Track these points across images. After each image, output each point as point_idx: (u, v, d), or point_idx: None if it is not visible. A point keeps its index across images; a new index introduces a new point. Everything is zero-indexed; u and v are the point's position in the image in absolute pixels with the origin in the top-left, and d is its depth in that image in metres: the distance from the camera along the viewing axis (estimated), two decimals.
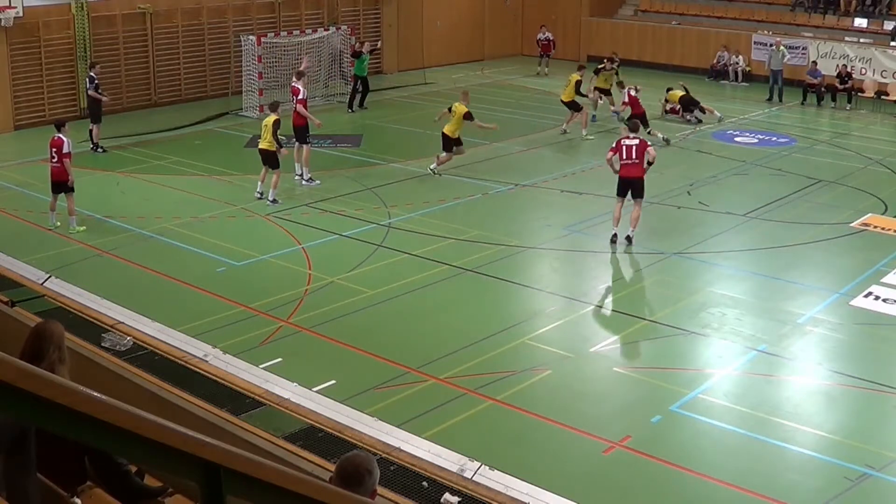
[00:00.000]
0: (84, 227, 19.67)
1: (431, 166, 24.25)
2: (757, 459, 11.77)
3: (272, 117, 21.72)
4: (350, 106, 32.32)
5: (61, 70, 29.98)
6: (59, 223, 19.72)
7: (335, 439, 11.41)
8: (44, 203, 21.23)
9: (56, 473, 6.59)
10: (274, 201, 21.50)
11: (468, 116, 23.81)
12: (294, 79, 24.52)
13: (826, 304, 16.49)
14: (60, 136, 19.59)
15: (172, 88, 32.98)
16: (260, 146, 22.02)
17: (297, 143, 23.64)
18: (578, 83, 28.77)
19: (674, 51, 40.15)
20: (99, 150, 25.96)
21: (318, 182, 23.24)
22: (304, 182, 23.27)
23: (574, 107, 28.84)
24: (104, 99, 26.46)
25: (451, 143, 24.06)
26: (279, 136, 21.68)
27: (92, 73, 26.51)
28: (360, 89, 32.50)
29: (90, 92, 26.25)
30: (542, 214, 21.32)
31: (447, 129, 24.08)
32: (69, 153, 19.61)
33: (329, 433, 11.60)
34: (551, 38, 40.65)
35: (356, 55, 32.60)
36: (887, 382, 13.60)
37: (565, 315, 16.00)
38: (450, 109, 24.30)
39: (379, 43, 34.42)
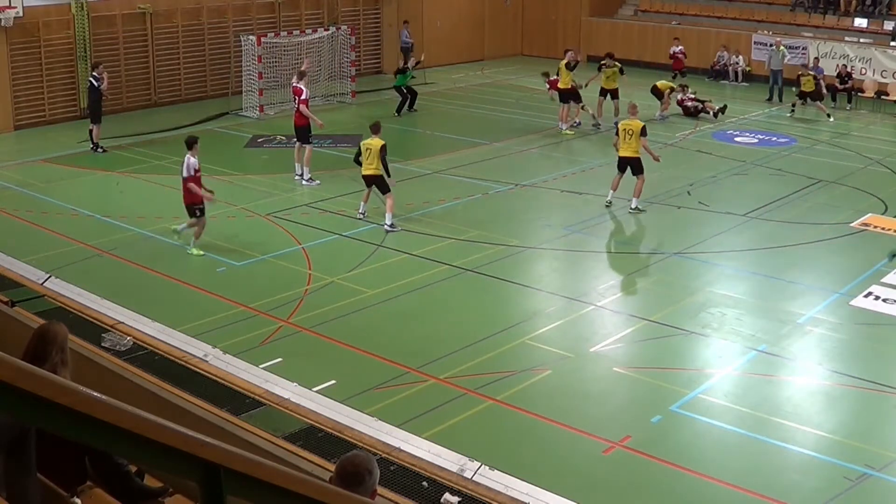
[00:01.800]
0: (202, 254, 18.49)
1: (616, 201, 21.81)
2: (757, 459, 11.77)
3: (379, 141, 19.91)
4: (398, 111, 31.83)
5: (61, 70, 29.98)
6: (180, 239, 18.90)
7: (335, 439, 11.41)
8: (44, 203, 21.31)
9: (56, 473, 6.59)
10: (392, 226, 19.78)
11: (644, 132, 21.41)
12: (296, 79, 24.48)
13: (826, 303, 16.49)
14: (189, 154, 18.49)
15: (172, 88, 32.98)
16: (364, 172, 20.10)
17: (298, 143, 23.65)
18: (567, 65, 28.68)
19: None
20: (99, 150, 25.96)
21: (317, 182, 23.23)
22: (304, 182, 23.27)
23: (564, 98, 28.77)
24: (105, 84, 26.34)
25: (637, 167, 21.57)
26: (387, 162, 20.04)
27: (95, 73, 26.46)
28: (407, 94, 32.09)
29: (101, 87, 26.21)
30: (542, 214, 21.33)
31: (628, 152, 21.46)
32: (187, 176, 18.32)
33: (329, 433, 11.60)
34: (684, 51, 38.18)
35: (402, 71, 32.28)
36: (887, 382, 13.60)
37: (565, 315, 15.99)
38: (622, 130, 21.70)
39: (423, 56, 33.89)
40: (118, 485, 7.07)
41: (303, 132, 23.41)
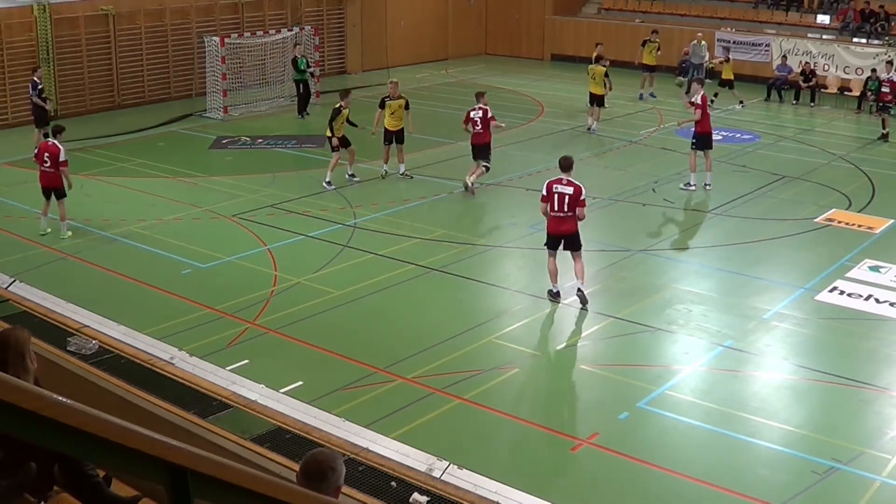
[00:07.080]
0: (71, 234, 19.44)
1: None
2: (725, 455, 11.83)
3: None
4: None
5: (24, 73, 29.68)
6: (49, 230, 19.46)
7: (303, 441, 11.37)
8: (7, 207, 21.15)
9: (24, 479, 6.53)
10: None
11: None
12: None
13: (791, 299, 16.59)
14: (55, 142, 19.23)
15: (136, 90, 32.80)
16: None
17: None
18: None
19: (638, 49, 40.19)
20: None
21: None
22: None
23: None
24: (47, 107, 26.19)
25: None
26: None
27: (35, 78, 26.18)
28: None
29: (34, 98, 26.00)
30: (507, 213, 21.34)
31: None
32: (66, 161, 19.26)
33: (297, 434, 11.56)
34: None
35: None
36: (852, 376, 13.69)
37: (532, 313, 16.02)
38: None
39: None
40: (87, 493, 7.01)
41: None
